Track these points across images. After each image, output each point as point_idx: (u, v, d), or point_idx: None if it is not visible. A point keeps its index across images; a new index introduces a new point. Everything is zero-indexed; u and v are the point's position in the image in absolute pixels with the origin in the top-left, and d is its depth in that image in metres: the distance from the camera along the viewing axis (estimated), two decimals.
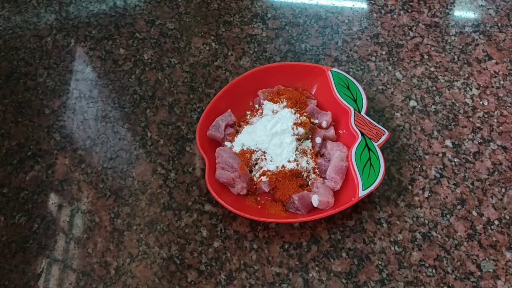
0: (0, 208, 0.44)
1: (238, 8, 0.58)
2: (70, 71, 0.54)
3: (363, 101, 0.46)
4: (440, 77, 0.50)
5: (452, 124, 0.47)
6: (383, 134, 0.43)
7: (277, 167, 0.42)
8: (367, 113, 0.45)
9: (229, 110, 0.46)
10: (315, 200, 0.40)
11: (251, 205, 0.42)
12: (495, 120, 0.47)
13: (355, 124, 0.44)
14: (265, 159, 0.43)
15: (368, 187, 0.39)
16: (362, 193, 0.39)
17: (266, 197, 0.43)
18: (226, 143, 0.45)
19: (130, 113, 0.50)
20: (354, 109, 0.45)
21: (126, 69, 0.53)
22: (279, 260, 0.40)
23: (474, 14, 0.55)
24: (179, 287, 0.39)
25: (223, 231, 0.42)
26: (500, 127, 0.46)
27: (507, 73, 0.50)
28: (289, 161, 0.42)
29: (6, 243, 0.42)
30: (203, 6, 0.58)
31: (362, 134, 0.43)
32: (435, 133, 0.46)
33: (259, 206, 0.42)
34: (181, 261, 0.41)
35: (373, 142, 0.43)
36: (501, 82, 0.49)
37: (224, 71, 0.52)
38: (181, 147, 0.47)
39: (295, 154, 0.43)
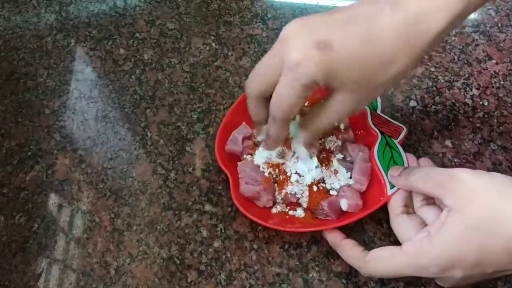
0: (0, 208, 0.44)
1: (238, 8, 0.58)
2: (70, 71, 0.54)
3: (378, 100, 0.45)
4: (440, 77, 0.50)
5: (452, 124, 0.47)
6: (402, 130, 0.43)
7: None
8: (382, 111, 0.45)
9: (244, 122, 0.45)
10: (344, 204, 0.39)
11: (279, 215, 0.41)
12: (495, 120, 0.47)
13: (373, 123, 0.43)
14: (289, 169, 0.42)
15: (395, 186, 0.39)
16: (390, 191, 0.39)
17: (292, 205, 0.42)
18: (246, 156, 0.43)
19: (130, 113, 0.50)
20: (370, 108, 0.44)
21: (126, 69, 0.53)
22: (279, 260, 0.40)
23: (474, 14, 0.55)
24: (179, 287, 0.39)
25: (223, 231, 0.42)
26: (500, 127, 0.46)
27: (507, 73, 0.50)
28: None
29: (6, 243, 0.42)
30: (203, 6, 0.58)
31: (381, 132, 0.43)
32: (435, 133, 0.46)
33: (287, 216, 0.41)
34: (181, 261, 0.41)
35: (393, 139, 0.42)
36: (501, 82, 0.49)
37: (224, 71, 0.52)
38: (181, 147, 0.47)
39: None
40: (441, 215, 0.34)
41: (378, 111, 0.45)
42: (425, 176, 0.36)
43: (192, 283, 0.39)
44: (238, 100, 0.46)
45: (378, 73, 0.32)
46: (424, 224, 0.36)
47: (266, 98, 0.35)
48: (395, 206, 0.38)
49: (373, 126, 0.43)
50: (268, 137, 0.38)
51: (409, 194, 0.39)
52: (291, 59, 0.31)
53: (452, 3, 0.31)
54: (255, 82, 0.35)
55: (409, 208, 0.38)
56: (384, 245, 0.36)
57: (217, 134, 0.44)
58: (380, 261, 0.35)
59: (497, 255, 0.31)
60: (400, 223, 0.37)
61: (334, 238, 0.39)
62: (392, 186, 0.39)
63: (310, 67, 0.31)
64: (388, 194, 0.39)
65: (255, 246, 0.41)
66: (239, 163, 0.42)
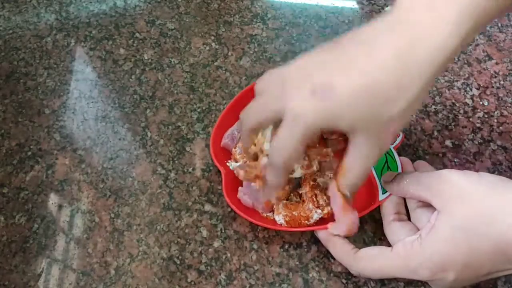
0: (0, 208, 0.44)
1: (238, 8, 0.58)
2: (70, 71, 0.54)
3: None
4: (440, 77, 0.50)
5: (452, 124, 0.47)
6: (398, 136, 0.43)
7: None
8: None
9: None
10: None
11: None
12: (495, 120, 0.47)
13: None
14: None
15: (388, 191, 0.39)
16: (382, 197, 0.39)
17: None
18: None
19: (130, 113, 0.50)
20: None
21: (126, 69, 0.53)
22: (279, 260, 0.40)
23: None
24: (179, 287, 0.39)
25: (223, 231, 0.42)
26: (500, 127, 0.46)
27: (507, 73, 0.50)
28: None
29: (6, 243, 0.42)
30: (203, 6, 0.58)
31: None
32: (435, 133, 0.46)
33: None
34: (181, 261, 0.41)
35: None
36: (501, 82, 0.49)
37: (224, 71, 0.52)
38: (181, 147, 0.47)
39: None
40: (431, 217, 0.33)
41: None
42: (415, 180, 0.36)
43: (192, 283, 0.40)
44: (235, 98, 0.46)
45: (386, 106, 0.30)
46: (416, 230, 0.36)
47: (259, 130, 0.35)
48: (387, 213, 0.38)
49: None
50: (266, 186, 0.36)
51: (401, 200, 0.39)
52: (291, 107, 0.30)
53: (457, 18, 0.29)
54: (252, 117, 0.34)
55: (401, 215, 0.38)
56: (384, 245, 0.36)
57: (213, 131, 0.44)
58: (370, 260, 0.35)
59: (488, 256, 0.30)
60: (392, 230, 0.37)
61: (326, 233, 0.39)
62: (384, 191, 0.39)
63: (310, 117, 0.29)
64: (380, 199, 0.39)
65: (255, 246, 0.41)
66: (240, 190, 0.42)
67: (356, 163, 0.32)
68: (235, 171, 0.40)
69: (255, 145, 0.36)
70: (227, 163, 0.43)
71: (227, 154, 0.44)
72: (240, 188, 0.42)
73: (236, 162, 0.42)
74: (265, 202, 0.40)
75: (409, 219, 0.38)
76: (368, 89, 0.29)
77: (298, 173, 0.36)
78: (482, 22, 0.30)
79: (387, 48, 0.29)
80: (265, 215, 0.41)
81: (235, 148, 0.43)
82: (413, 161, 0.44)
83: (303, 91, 0.30)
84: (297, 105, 0.30)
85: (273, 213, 0.40)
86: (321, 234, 0.39)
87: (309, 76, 0.30)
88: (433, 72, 0.29)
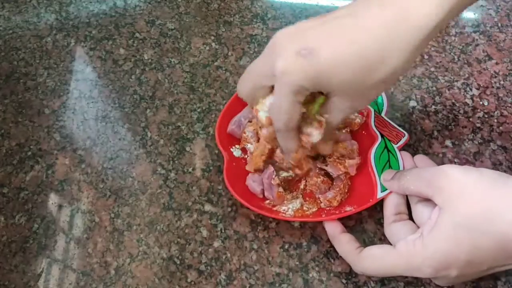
0: (0, 208, 0.44)
1: (238, 8, 0.58)
2: (70, 71, 0.54)
3: (384, 102, 0.45)
4: (440, 77, 0.50)
5: (452, 124, 0.47)
6: (403, 136, 0.43)
7: None
8: (387, 115, 0.45)
9: (247, 106, 0.45)
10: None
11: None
12: (495, 120, 0.47)
13: (375, 125, 0.43)
14: None
15: (387, 189, 0.39)
16: (380, 194, 0.39)
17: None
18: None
19: (130, 113, 0.50)
20: (375, 110, 0.44)
21: (126, 69, 0.53)
22: (279, 260, 0.40)
23: (474, 14, 0.55)
24: (179, 287, 0.39)
25: (223, 231, 0.42)
26: (500, 127, 0.46)
27: (507, 73, 0.50)
28: None
29: (6, 243, 0.42)
30: (203, 6, 0.58)
31: (382, 135, 0.43)
32: (435, 133, 0.46)
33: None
34: (181, 261, 0.41)
35: (393, 144, 0.42)
36: (501, 82, 0.49)
37: (224, 71, 0.52)
38: (181, 147, 0.47)
39: None
40: (432, 214, 0.34)
41: (383, 114, 0.45)
42: (415, 176, 0.36)
43: (192, 283, 0.39)
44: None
45: (369, 74, 0.31)
46: (416, 228, 0.36)
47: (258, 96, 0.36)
48: (388, 215, 0.38)
49: (374, 128, 0.43)
50: (283, 151, 0.39)
51: (402, 201, 0.39)
52: (277, 67, 0.31)
53: (442, 0, 0.30)
54: (246, 84, 0.36)
55: (402, 215, 0.38)
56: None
57: (219, 117, 0.45)
58: (373, 258, 0.35)
59: (490, 253, 0.31)
60: (392, 231, 0.37)
61: (333, 230, 0.39)
62: (383, 189, 0.39)
63: (295, 74, 0.31)
64: (378, 196, 0.39)
65: (255, 246, 0.41)
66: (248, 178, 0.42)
67: (330, 119, 0.35)
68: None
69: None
70: (231, 149, 0.44)
71: (231, 140, 0.45)
72: (250, 175, 0.42)
73: (250, 144, 0.44)
74: (277, 193, 0.40)
75: (410, 213, 0.38)
76: (352, 56, 0.30)
77: (315, 137, 0.37)
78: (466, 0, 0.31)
79: (375, 19, 0.30)
80: (269, 205, 0.41)
81: (245, 133, 0.44)
82: None
83: (290, 52, 0.31)
84: (284, 64, 0.31)
85: (281, 205, 0.41)
86: (329, 228, 0.40)
87: (297, 39, 0.32)
88: (416, 45, 0.31)
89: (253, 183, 0.41)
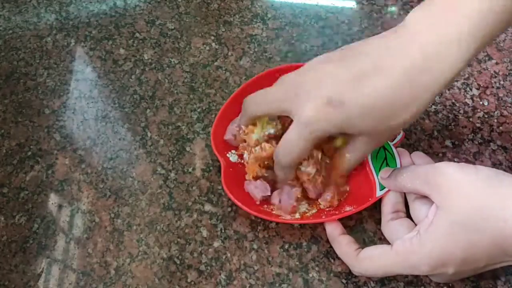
0: (0, 208, 0.44)
1: (238, 8, 0.58)
2: (70, 71, 0.54)
3: None
4: (446, 87, 0.50)
5: (452, 124, 0.47)
6: (398, 134, 0.43)
7: None
8: None
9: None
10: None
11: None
12: (495, 120, 0.47)
13: None
14: None
15: (385, 187, 0.39)
16: (379, 193, 0.39)
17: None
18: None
19: (130, 113, 0.50)
20: None
21: (126, 69, 0.53)
22: (279, 260, 0.40)
23: None
24: (179, 287, 0.39)
25: (223, 231, 0.42)
26: (500, 127, 0.46)
27: (507, 73, 0.50)
28: None
29: (6, 243, 0.42)
30: (203, 6, 0.58)
31: None
32: (435, 133, 0.46)
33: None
34: (181, 261, 0.41)
35: (389, 142, 0.42)
36: (501, 82, 0.49)
37: (224, 71, 0.52)
38: (181, 147, 0.47)
39: None
40: (429, 212, 0.34)
41: None
42: (412, 174, 0.36)
43: (192, 283, 0.40)
44: (238, 89, 0.46)
45: (392, 119, 0.33)
46: (413, 226, 0.36)
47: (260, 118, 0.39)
48: (385, 213, 0.38)
49: None
50: (278, 179, 0.41)
51: (400, 199, 0.39)
52: (305, 115, 0.33)
53: (468, 39, 0.31)
54: (259, 106, 0.38)
55: (399, 213, 0.38)
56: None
57: (214, 123, 0.44)
58: (371, 259, 0.35)
59: (486, 250, 0.31)
60: (390, 229, 0.37)
61: (333, 231, 0.39)
62: (382, 188, 0.39)
63: (323, 124, 0.33)
64: (377, 195, 0.39)
65: (255, 246, 0.41)
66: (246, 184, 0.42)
67: (353, 157, 0.38)
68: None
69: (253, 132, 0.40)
70: (227, 155, 0.44)
71: (227, 145, 0.45)
72: (252, 181, 0.41)
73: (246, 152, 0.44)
74: (292, 206, 0.40)
75: (407, 211, 0.38)
76: (376, 105, 0.33)
77: (308, 169, 0.39)
78: (488, 41, 0.32)
79: (398, 68, 0.32)
80: (266, 208, 0.41)
81: (244, 141, 0.43)
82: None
83: (317, 101, 0.33)
84: (311, 113, 0.33)
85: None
86: (329, 230, 0.40)
87: (323, 87, 0.33)
88: (438, 90, 0.32)
89: (254, 189, 0.41)
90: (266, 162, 0.41)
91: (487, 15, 0.30)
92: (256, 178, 0.41)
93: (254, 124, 0.40)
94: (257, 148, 0.41)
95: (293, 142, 0.35)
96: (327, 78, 0.34)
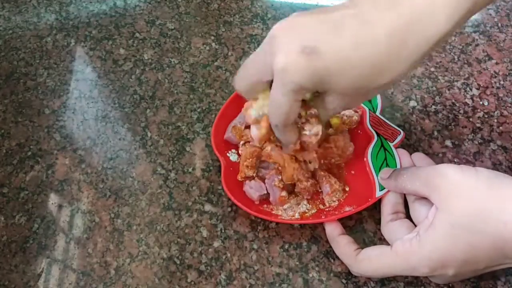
0: (0, 208, 0.44)
1: (238, 8, 0.58)
2: (70, 71, 0.54)
3: (378, 101, 0.45)
4: (440, 77, 0.50)
5: (452, 124, 0.47)
6: (399, 134, 0.43)
7: None
8: (382, 111, 0.45)
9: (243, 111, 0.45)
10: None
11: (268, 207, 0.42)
12: (495, 120, 0.47)
13: (370, 124, 0.43)
14: None
15: (385, 188, 0.39)
16: (379, 193, 0.39)
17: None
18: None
19: (130, 113, 0.50)
20: (369, 109, 0.44)
21: (126, 69, 0.53)
22: (279, 260, 0.40)
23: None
24: (179, 287, 0.39)
25: (223, 231, 0.42)
26: (500, 127, 0.46)
27: (507, 73, 0.50)
28: None
29: (6, 243, 0.42)
30: (203, 6, 0.58)
31: (378, 134, 0.43)
32: (435, 133, 0.46)
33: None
34: (181, 261, 0.41)
35: (389, 143, 0.42)
36: (501, 82, 0.49)
37: (224, 71, 0.52)
38: (181, 147, 0.47)
39: None
40: (429, 214, 0.34)
41: (377, 113, 0.45)
42: (412, 175, 0.36)
43: (192, 283, 0.40)
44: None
45: (373, 78, 0.30)
46: (413, 227, 0.36)
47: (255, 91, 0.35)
48: (385, 214, 0.38)
49: (370, 127, 0.43)
50: (282, 144, 0.38)
51: (400, 200, 0.39)
52: (277, 63, 0.30)
53: (456, 3, 0.29)
54: (243, 79, 0.34)
55: (399, 214, 0.38)
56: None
57: (214, 122, 0.44)
58: (370, 260, 0.35)
59: (486, 252, 0.31)
60: (389, 230, 0.37)
61: (332, 231, 0.39)
62: (382, 188, 0.39)
63: (295, 73, 0.29)
64: (377, 195, 0.39)
65: (255, 246, 0.41)
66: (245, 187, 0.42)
67: (322, 113, 0.35)
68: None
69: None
70: (228, 154, 0.44)
71: (228, 144, 0.45)
72: (247, 182, 0.42)
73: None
74: (279, 197, 0.40)
75: (407, 212, 0.38)
76: (358, 61, 0.29)
77: (314, 130, 0.36)
78: (476, 7, 0.30)
79: (383, 26, 0.29)
80: (266, 208, 0.41)
81: (242, 137, 0.43)
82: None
83: (291, 48, 0.29)
84: (284, 61, 0.29)
85: (282, 208, 0.41)
86: (328, 230, 0.40)
87: (298, 35, 0.30)
88: (422, 54, 0.30)
89: (250, 189, 0.41)
90: (252, 161, 0.40)
91: None
92: (246, 178, 0.41)
93: (256, 99, 0.36)
94: (241, 147, 0.40)
95: (275, 100, 0.32)
96: (303, 26, 0.30)
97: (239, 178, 0.42)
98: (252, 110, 0.35)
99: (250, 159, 0.41)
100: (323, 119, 0.36)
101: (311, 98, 0.35)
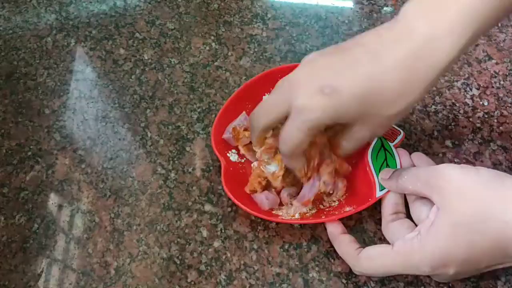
0: (0, 208, 0.44)
1: (238, 8, 0.58)
2: (70, 71, 0.54)
3: None
4: (440, 77, 0.50)
5: (452, 124, 0.47)
6: (399, 134, 0.43)
7: None
8: None
9: (244, 112, 0.45)
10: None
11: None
12: (495, 120, 0.47)
13: None
14: None
15: (385, 188, 0.39)
16: (379, 193, 0.39)
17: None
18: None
19: (130, 113, 0.50)
20: None
21: (126, 69, 0.53)
22: (279, 260, 0.40)
23: None
24: (179, 287, 0.39)
25: (223, 231, 0.42)
26: (500, 127, 0.46)
27: (507, 73, 0.50)
28: None
29: (6, 243, 0.42)
30: (203, 6, 0.58)
31: None
32: (435, 133, 0.46)
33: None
34: (181, 261, 0.41)
35: (389, 143, 0.42)
36: (501, 82, 0.49)
37: (224, 71, 0.52)
38: (181, 147, 0.47)
39: None
40: (430, 213, 0.34)
41: None
42: (413, 176, 0.36)
43: (192, 283, 0.40)
44: (239, 89, 0.46)
45: (386, 108, 0.33)
46: (413, 226, 0.36)
47: (270, 129, 0.39)
48: (386, 214, 0.38)
49: None
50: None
51: (400, 201, 0.39)
52: (298, 104, 0.33)
53: (460, 29, 0.31)
54: (262, 118, 0.37)
55: (400, 214, 0.38)
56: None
57: (214, 122, 0.44)
58: (372, 259, 0.35)
59: (487, 252, 0.31)
60: (390, 230, 0.37)
61: (334, 230, 0.39)
62: (382, 188, 0.39)
63: (316, 112, 0.32)
64: (377, 196, 0.39)
65: (255, 246, 0.41)
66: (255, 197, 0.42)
67: (348, 145, 0.38)
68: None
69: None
70: (228, 154, 0.44)
71: (228, 145, 0.45)
72: (265, 192, 0.41)
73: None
74: (304, 201, 0.40)
75: (408, 211, 0.38)
76: (371, 92, 0.32)
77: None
78: (482, 31, 0.32)
79: (392, 58, 0.32)
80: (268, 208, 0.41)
81: (239, 137, 0.44)
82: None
83: (309, 89, 0.33)
84: (303, 101, 0.33)
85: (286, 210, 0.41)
86: (330, 229, 0.40)
87: (315, 76, 0.33)
88: (432, 79, 0.32)
89: (265, 199, 0.41)
90: (264, 182, 0.41)
91: (478, 5, 0.30)
92: (252, 192, 0.42)
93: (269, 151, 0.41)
94: (242, 148, 0.42)
95: (289, 133, 0.35)
96: (320, 69, 0.34)
97: (247, 190, 0.42)
98: (272, 166, 0.41)
99: (264, 179, 0.41)
100: (349, 151, 0.38)
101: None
